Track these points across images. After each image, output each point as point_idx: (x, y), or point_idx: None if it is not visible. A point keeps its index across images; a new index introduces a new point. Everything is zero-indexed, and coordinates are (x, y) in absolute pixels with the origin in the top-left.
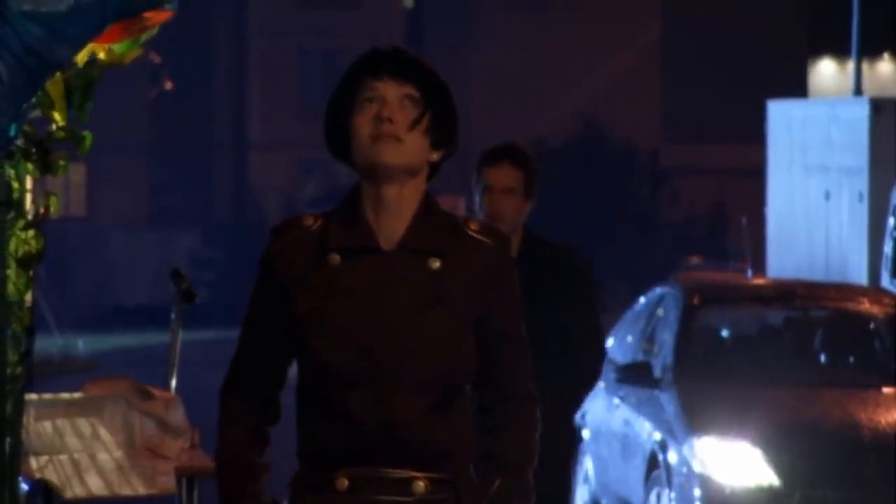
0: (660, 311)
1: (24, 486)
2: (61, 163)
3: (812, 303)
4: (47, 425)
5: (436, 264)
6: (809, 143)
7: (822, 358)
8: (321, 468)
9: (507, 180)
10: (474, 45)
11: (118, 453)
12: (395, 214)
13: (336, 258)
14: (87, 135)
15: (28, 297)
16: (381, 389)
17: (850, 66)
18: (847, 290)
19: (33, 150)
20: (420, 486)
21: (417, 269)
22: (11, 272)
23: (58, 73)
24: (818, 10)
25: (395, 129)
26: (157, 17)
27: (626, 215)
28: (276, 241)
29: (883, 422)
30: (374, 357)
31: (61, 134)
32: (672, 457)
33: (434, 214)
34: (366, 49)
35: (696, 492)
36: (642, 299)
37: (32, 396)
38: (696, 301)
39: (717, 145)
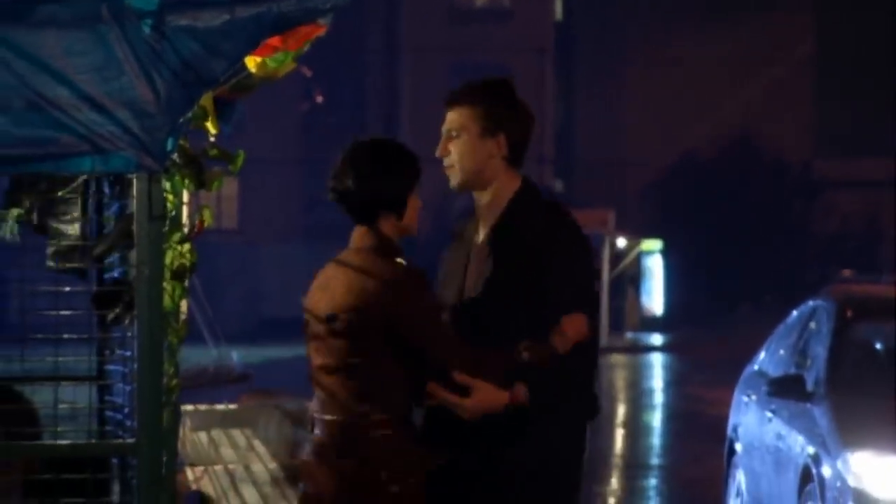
0: (812, 325)
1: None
2: (216, 181)
3: None
4: (202, 436)
5: None
6: None
7: None
8: None
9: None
10: (626, 58)
11: (273, 465)
12: None
13: None
14: (241, 153)
15: (184, 308)
16: None
17: None
18: None
19: (190, 163)
20: None
21: None
22: (167, 284)
23: None
24: None
25: None
26: (311, 32)
27: (778, 228)
28: None
29: None
30: None
31: (215, 152)
32: (826, 471)
33: None
34: (516, 63)
35: None
36: (794, 313)
37: (188, 407)
38: (849, 314)
39: (870, 158)
